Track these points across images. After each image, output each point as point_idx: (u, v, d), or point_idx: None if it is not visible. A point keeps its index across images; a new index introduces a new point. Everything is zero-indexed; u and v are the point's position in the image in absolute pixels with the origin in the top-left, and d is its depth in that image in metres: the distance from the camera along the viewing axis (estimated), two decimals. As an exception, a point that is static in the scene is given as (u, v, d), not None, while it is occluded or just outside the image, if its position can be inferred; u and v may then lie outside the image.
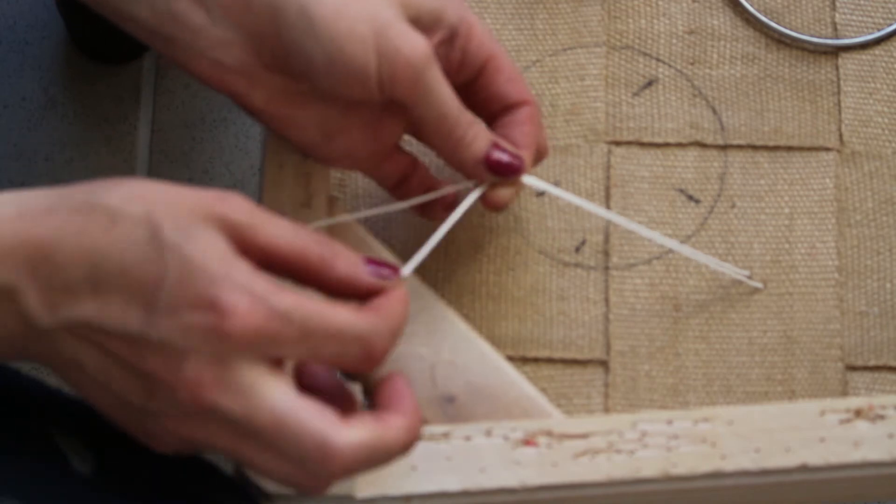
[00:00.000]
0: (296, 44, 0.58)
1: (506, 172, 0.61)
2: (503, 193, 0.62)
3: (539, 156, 0.64)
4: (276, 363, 0.52)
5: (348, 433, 0.52)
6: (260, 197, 0.65)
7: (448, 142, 0.60)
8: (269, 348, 0.52)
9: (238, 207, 0.53)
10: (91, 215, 0.52)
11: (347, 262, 0.55)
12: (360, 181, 0.69)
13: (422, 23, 0.60)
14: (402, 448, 0.54)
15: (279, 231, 0.54)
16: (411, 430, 0.54)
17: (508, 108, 0.62)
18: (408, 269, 0.58)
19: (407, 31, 0.58)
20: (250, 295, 0.51)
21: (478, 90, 0.63)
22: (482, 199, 0.62)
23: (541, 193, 0.69)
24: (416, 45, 0.58)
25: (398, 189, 0.65)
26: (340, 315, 0.53)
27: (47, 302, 0.51)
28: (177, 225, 0.51)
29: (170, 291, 0.50)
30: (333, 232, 0.65)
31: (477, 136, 0.60)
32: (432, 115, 0.59)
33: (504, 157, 0.61)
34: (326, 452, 0.52)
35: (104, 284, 0.51)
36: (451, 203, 0.64)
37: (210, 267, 0.51)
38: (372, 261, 0.56)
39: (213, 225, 0.52)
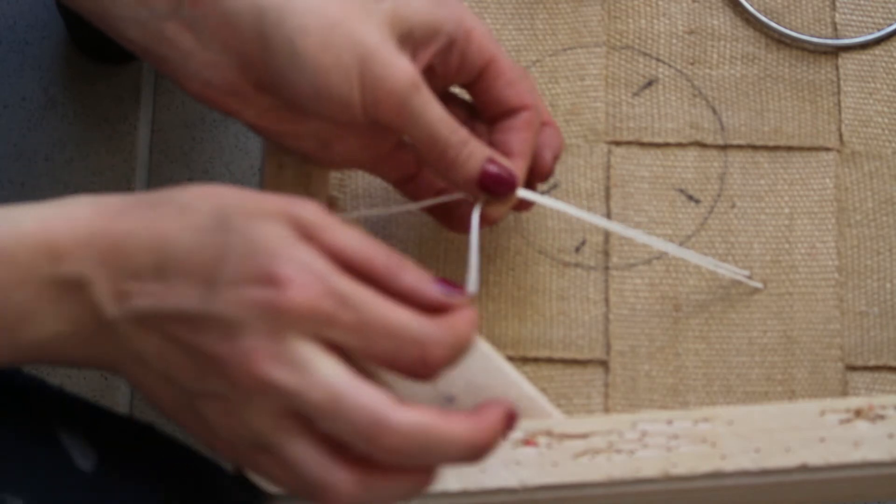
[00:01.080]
0: (281, 72, 0.58)
1: (499, 191, 0.61)
2: (496, 209, 0.62)
3: (555, 155, 0.64)
4: (333, 348, 0.51)
5: (405, 412, 0.51)
6: (260, 197, 0.65)
7: (440, 163, 0.60)
8: (324, 329, 0.51)
9: (309, 209, 0.52)
10: (162, 208, 0.53)
11: (415, 275, 0.53)
12: (360, 181, 0.69)
13: (415, 37, 0.59)
14: (464, 446, 0.52)
15: (347, 234, 0.53)
16: (479, 430, 0.52)
17: (508, 112, 0.62)
18: (472, 286, 0.57)
19: (391, 59, 0.58)
20: (310, 272, 0.51)
21: (477, 94, 0.63)
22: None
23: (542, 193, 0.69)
24: (398, 74, 0.57)
25: (405, 186, 0.65)
26: (401, 313, 0.52)
27: (115, 291, 0.52)
28: (245, 215, 0.52)
29: (230, 267, 0.51)
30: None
31: (471, 155, 0.60)
32: (421, 138, 0.59)
33: (497, 176, 0.60)
34: (380, 428, 0.50)
35: (169, 270, 0.51)
36: (455, 209, 0.64)
37: (272, 244, 0.51)
38: (441, 279, 0.54)
39: (279, 218, 0.52)
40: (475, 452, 0.52)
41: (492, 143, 0.62)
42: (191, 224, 0.52)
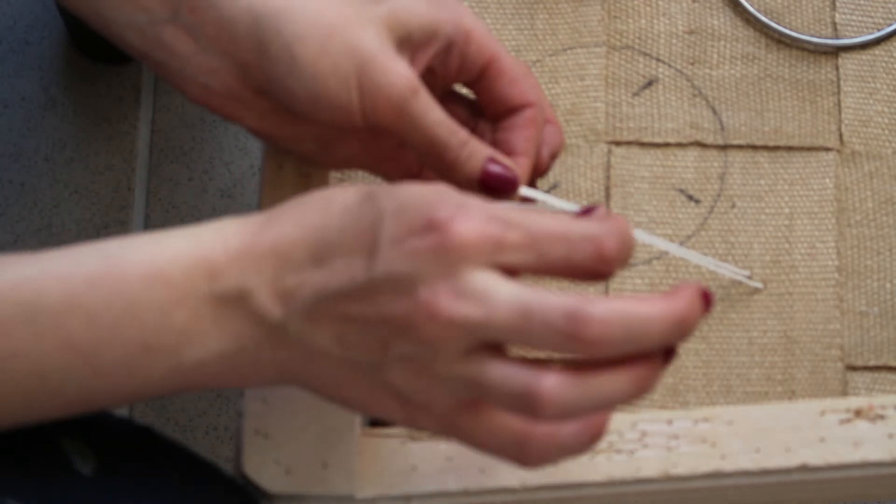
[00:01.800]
0: (279, 79, 0.58)
1: (501, 190, 0.61)
2: None
3: (552, 153, 0.64)
4: (508, 272, 0.51)
5: (600, 302, 0.49)
6: (260, 197, 0.65)
7: (441, 164, 0.60)
8: (496, 254, 0.50)
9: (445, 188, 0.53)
10: (305, 206, 0.53)
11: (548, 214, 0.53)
12: (360, 181, 0.69)
13: (413, 40, 0.59)
14: (667, 322, 0.50)
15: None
16: (677, 306, 0.50)
17: (511, 110, 0.62)
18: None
19: (388, 64, 0.58)
20: (466, 206, 0.50)
21: (480, 93, 0.62)
22: None
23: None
24: (396, 80, 0.58)
25: None
26: (563, 220, 0.51)
27: (277, 294, 0.52)
28: (387, 189, 0.52)
29: (388, 229, 0.50)
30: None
31: (471, 155, 0.60)
32: (421, 142, 0.59)
33: (499, 175, 0.60)
34: (579, 321, 0.49)
35: (326, 254, 0.51)
36: None
37: (423, 197, 0.51)
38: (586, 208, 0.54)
39: (422, 188, 0.52)
40: (678, 328, 0.51)
41: (495, 142, 0.62)
42: (338, 208, 0.52)
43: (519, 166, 0.61)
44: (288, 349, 0.52)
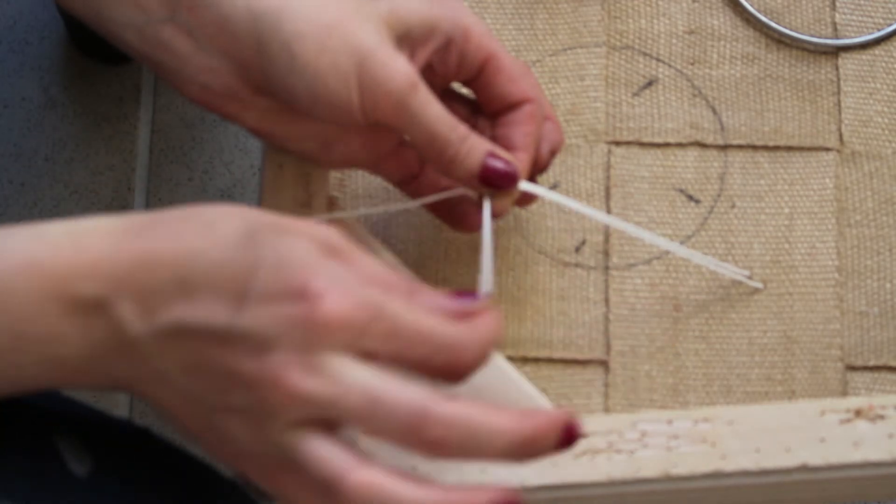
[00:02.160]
0: (279, 77, 0.58)
1: (501, 185, 0.61)
2: (499, 203, 0.62)
3: (552, 150, 0.64)
4: (365, 356, 0.51)
5: (448, 403, 0.50)
6: (260, 197, 0.65)
7: (441, 160, 0.60)
8: (358, 339, 0.50)
9: (333, 233, 0.53)
10: (188, 223, 0.52)
11: (433, 294, 0.53)
12: (360, 181, 0.69)
13: (412, 37, 0.59)
14: (508, 440, 0.51)
15: (370, 259, 0.53)
16: (525, 427, 0.51)
17: (510, 107, 0.62)
18: (487, 285, 0.57)
19: (388, 60, 0.58)
20: (343, 285, 0.50)
21: (479, 90, 0.63)
22: (479, 208, 0.62)
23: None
24: (396, 76, 0.57)
25: (408, 186, 0.65)
26: (432, 319, 0.52)
27: (140, 309, 0.51)
28: (273, 232, 0.51)
29: (260, 283, 0.50)
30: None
31: (471, 150, 0.60)
32: (422, 137, 0.59)
33: (498, 170, 0.60)
34: (423, 419, 0.49)
35: (195, 285, 0.51)
36: (460, 206, 0.64)
37: (304, 260, 0.51)
38: (457, 292, 0.54)
39: (307, 237, 0.52)
40: (522, 448, 0.51)
41: (494, 139, 0.62)
42: (217, 239, 0.51)
43: (518, 161, 0.61)
44: (137, 364, 0.52)
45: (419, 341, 0.51)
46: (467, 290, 0.54)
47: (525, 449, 0.51)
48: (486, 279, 0.58)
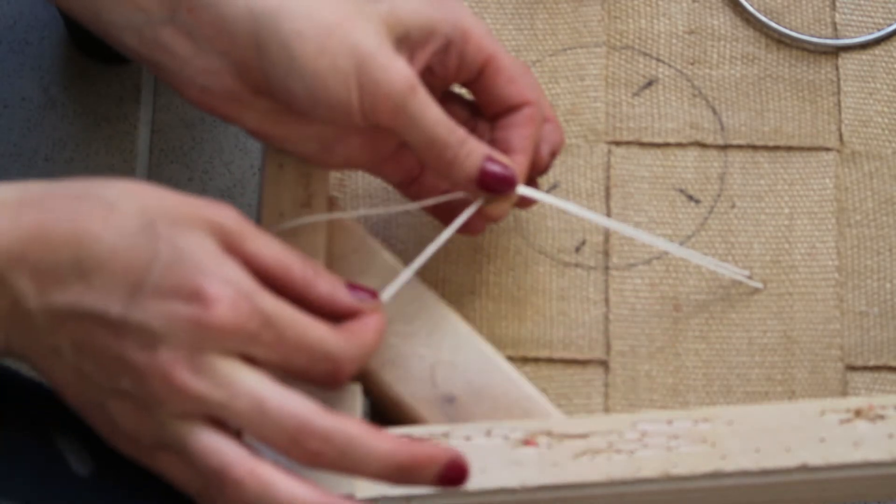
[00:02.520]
0: (278, 78, 0.58)
1: (499, 189, 0.60)
2: (497, 207, 0.61)
3: (552, 151, 0.64)
4: (251, 361, 0.53)
5: (330, 417, 0.52)
6: (260, 197, 0.65)
7: (439, 163, 0.60)
8: (245, 345, 0.53)
9: (228, 216, 0.54)
10: (87, 202, 0.53)
11: (328, 283, 0.56)
12: (360, 181, 0.69)
13: (411, 39, 0.59)
14: (383, 462, 0.53)
15: (266, 243, 0.55)
16: (402, 453, 0.54)
17: (509, 109, 0.62)
18: (387, 293, 0.59)
19: (388, 62, 0.58)
20: (236, 290, 0.52)
21: (478, 92, 0.62)
22: (479, 212, 0.62)
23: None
24: (396, 78, 0.57)
25: (409, 188, 0.64)
26: (318, 330, 0.54)
27: (35, 285, 0.52)
28: (170, 221, 0.53)
29: (157, 277, 0.52)
30: (334, 234, 0.65)
31: (469, 154, 0.59)
32: (420, 140, 0.59)
33: (496, 174, 0.60)
34: (305, 431, 0.52)
35: (91, 269, 0.52)
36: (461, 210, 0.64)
37: (200, 259, 0.52)
38: (353, 285, 0.57)
39: (203, 227, 0.53)
40: (397, 473, 0.54)
41: (493, 141, 0.62)
42: (116, 224, 0.52)
43: (516, 164, 0.61)
44: (33, 336, 0.53)
45: (301, 352, 0.54)
46: (363, 287, 0.58)
47: (399, 475, 0.54)
48: (394, 287, 0.60)
